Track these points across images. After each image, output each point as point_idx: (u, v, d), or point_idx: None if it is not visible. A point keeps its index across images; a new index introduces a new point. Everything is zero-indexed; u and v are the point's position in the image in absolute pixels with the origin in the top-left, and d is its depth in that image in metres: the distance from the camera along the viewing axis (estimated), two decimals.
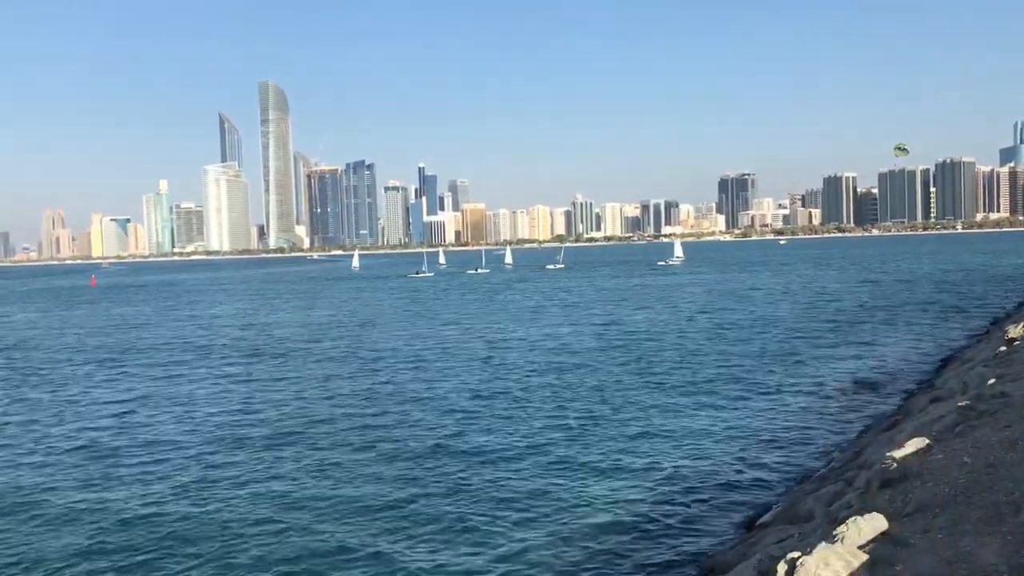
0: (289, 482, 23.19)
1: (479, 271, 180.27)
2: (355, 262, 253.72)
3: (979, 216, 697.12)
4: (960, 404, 18.65)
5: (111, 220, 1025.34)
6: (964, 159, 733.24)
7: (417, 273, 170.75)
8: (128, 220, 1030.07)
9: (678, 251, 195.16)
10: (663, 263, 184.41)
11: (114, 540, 19.09)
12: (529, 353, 47.89)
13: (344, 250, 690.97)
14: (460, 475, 23.26)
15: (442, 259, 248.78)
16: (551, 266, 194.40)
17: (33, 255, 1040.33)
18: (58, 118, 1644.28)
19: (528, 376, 39.69)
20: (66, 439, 29.76)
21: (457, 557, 17.53)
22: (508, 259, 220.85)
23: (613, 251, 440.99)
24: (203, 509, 21.10)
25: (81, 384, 42.89)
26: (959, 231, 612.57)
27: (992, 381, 21.30)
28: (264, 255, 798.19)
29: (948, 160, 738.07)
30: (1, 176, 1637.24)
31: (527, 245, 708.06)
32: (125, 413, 34.28)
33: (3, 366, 51.28)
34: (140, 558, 17.98)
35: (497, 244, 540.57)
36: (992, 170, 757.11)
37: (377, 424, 30.18)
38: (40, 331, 75.43)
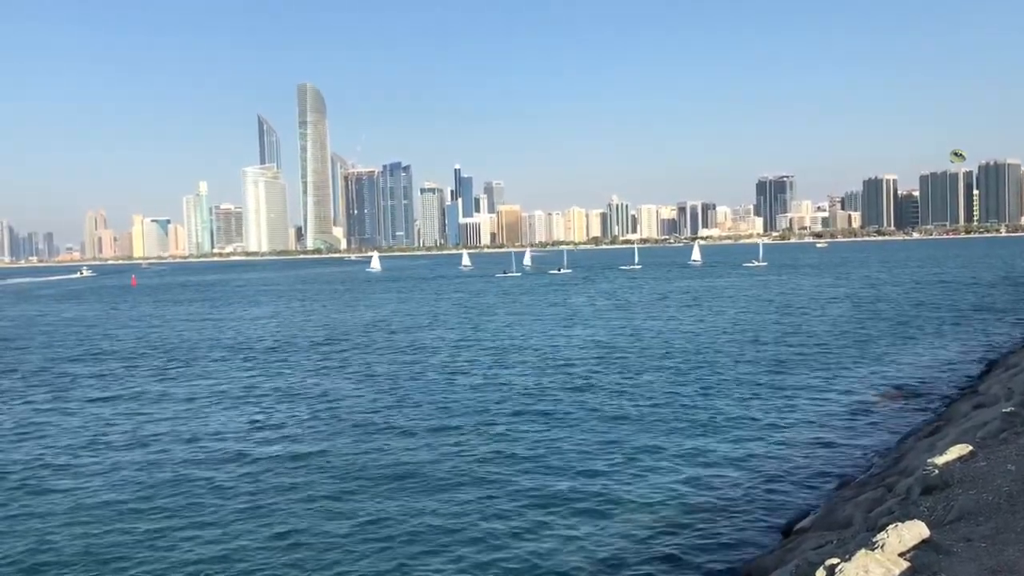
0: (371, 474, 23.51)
1: (562, 271, 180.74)
2: (374, 263, 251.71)
3: (1023, 219, 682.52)
4: (1005, 410, 18.33)
5: (152, 221, 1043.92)
6: (1008, 161, 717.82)
7: (505, 273, 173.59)
8: (168, 221, 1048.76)
9: (696, 254, 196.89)
10: (748, 264, 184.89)
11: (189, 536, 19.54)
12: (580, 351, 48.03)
13: (380, 252, 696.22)
14: (508, 474, 23.47)
15: (466, 260, 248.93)
16: (627, 267, 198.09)
17: (76, 255, 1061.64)
18: (100, 120, 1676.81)
19: (581, 375, 39.81)
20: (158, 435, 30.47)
21: (500, 553, 17.72)
22: (527, 260, 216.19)
23: (654, 253, 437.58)
24: (255, 506, 21.49)
25: (165, 382, 43.80)
26: (1002, 234, 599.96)
27: None
28: (302, 256, 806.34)
29: (992, 162, 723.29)
30: (45, 177, 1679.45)
31: (561, 247, 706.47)
32: (190, 410, 35.08)
33: (66, 364, 52.53)
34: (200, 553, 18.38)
35: (532, 245, 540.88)
36: None
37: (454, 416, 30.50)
38: (97, 327, 77.13)
